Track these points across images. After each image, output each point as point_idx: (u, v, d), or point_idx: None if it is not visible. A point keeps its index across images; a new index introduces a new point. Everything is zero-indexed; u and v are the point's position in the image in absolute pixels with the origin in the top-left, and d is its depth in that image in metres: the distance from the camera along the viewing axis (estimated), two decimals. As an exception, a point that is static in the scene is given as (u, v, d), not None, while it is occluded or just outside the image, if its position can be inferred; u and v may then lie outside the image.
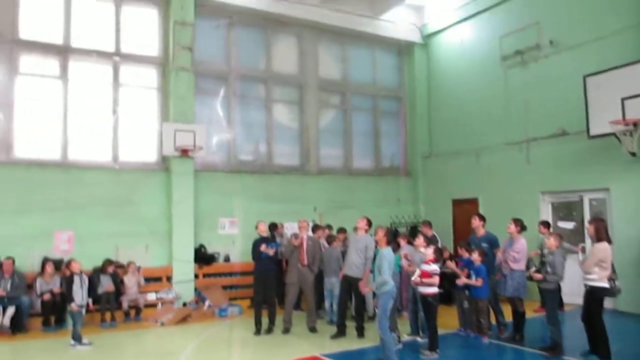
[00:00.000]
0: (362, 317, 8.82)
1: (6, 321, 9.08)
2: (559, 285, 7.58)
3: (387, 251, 7.27)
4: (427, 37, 14.99)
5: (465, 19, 13.75)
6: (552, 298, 7.52)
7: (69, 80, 11.06)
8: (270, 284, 9.31)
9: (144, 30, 11.93)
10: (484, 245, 8.60)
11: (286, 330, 9.06)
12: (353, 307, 9.01)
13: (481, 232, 8.81)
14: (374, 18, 14.21)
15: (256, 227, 9.47)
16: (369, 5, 14.06)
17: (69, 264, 8.70)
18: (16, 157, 10.48)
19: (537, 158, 11.75)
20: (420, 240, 8.52)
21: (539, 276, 7.51)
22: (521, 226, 8.34)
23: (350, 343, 8.39)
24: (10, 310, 9.13)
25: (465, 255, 8.60)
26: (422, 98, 15.03)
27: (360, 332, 8.61)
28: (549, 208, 11.73)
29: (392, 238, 7.72)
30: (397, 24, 14.58)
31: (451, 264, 8.85)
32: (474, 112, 13.34)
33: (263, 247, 9.13)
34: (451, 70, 14.36)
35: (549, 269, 7.42)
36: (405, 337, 8.50)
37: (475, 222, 8.89)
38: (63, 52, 11.05)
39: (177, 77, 11.60)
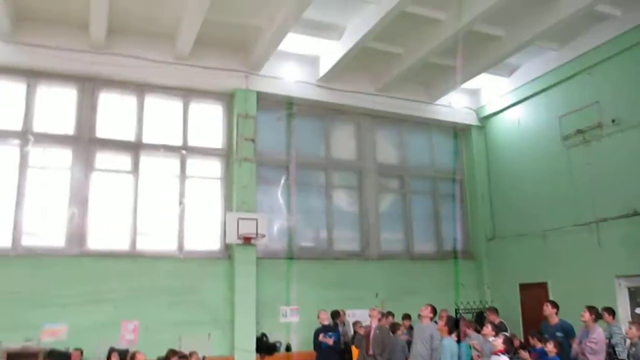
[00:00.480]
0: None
1: (74, 413, 9.16)
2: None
3: (447, 341, 7.02)
4: (484, 119, 15.05)
5: (522, 100, 13.77)
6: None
7: (139, 174, 11.69)
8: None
9: (209, 124, 12.60)
10: (559, 334, 8.15)
11: None
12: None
13: (554, 320, 8.39)
14: (430, 103, 14.46)
15: (318, 316, 9.36)
16: (424, 92, 14.35)
17: (133, 355, 8.75)
18: (89, 249, 10.95)
19: (609, 239, 11.19)
20: (488, 329, 8.16)
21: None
22: (596, 314, 7.90)
23: None
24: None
25: (538, 345, 8.14)
26: (482, 179, 14.88)
27: None
28: (626, 293, 11.01)
29: (454, 326, 7.44)
30: (453, 107, 14.76)
31: (525, 354, 8.37)
32: (537, 192, 13.03)
33: (321, 337, 9.01)
34: (510, 151, 14.24)
35: (633, 362, 6.91)
36: None
37: (548, 309, 8.50)
38: (135, 147, 11.75)
39: (240, 168, 12.03)
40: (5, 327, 9.78)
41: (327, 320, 9.41)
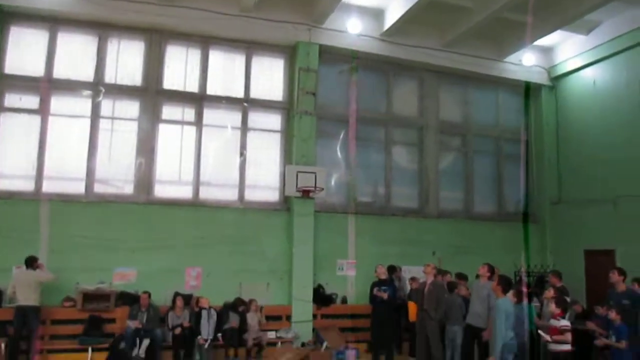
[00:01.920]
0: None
1: (142, 352, 9.69)
2: None
3: (502, 301, 6.91)
4: (556, 79, 14.33)
5: (600, 60, 12.98)
6: None
7: (202, 125, 11.91)
8: (386, 328, 9.18)
9: (271, 77, 12.61)
10: (625, 302, 7.87)
11: None
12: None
13: (622, 287, 8.10)
14: (499, 60, 13.88)
15: (375, 270, 9.43)
16: (493, 48, 13.76)
17: (198, 300, 9.13)
18: (155, 197, 11.37)
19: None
20: (550, 292, 8.01)
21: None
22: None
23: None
24: (146, 342, 9.74)
25: (602, 312, 7.91)
26: (550, 141, 14.29)
27: None
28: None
29: (507, 285, 7.26)
30: (523, 65, 14.10)
31: (591, 324, 8.15)
32: (610, 157, 12.39)
33: (375, 291, 9.10)
34: (582, 113, 13.55)
35: None
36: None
37: (615, 276, 8.22)
38: (199, 99, 11.94)
39: (300, 121, 12.05)
40: (81, 269, 10.39)
41: (384, 275, 9.48)
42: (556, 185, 14.04)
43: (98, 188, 11.08)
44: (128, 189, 11.29)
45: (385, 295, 9.07)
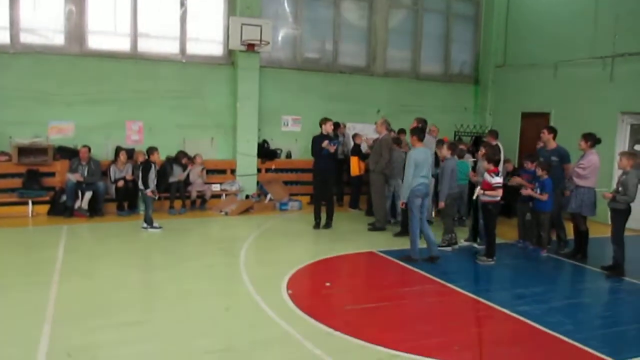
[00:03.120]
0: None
1: (84, 204, 9.76)
2: (629, 207, 7.26)
3: (413, 151, 7.53)
4: None
5: None
6: (619, 218, 7.28)
7: (138, -30, 10.95)
8: (329, 181, 9.50)
9: None
10: (554, 159, 8.32)
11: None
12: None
13: (552, 145, 8.49)
14: None
15: (321, 125, 9.50)
16: None
17: (152, 151, 9.02)
18: (89, 49, 10.69)
19: (621, 75, 10.86)
20: (482, 151, 8.41)
21: (608, 195, 7.28)
22: (594, 141, 7.96)
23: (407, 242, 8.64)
24: (88, 195, 9.77)
25: (531, 167, 8.38)
26: (501, 3, 14.00)
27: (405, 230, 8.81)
28: (627, 130, 11.03)
29: (422, 135, 7.78)
30: None
31: (517, 178, 8.67)
32: (557, 22, 12.28)
33: (325, 143, 9.26)
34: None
35: (620, 189, 7.17)
36: (463, 242, 8.63)
37: (545, 135, 8.56)
38: (133, -61, 10.85)
39: (244, -31, 11.26)
40: (14, 123, 10.00)
41: (330, 130, 9.63)
42: (502, 49, 14.01)
43: (25, 38, 10.27)
44: (59, 40, 10.53)
45: (333, 149, 9.30)
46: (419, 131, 7.81)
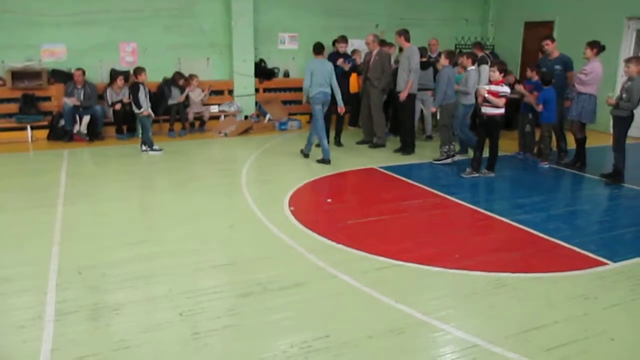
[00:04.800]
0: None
1: (83, 128, 9.71)
2: (632, 114, 7.20)
3: (310, 62, 8.23)
4: None
5: None
6: (622, 125, 7.23)
7: None
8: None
9: None
10: (557, 67, 8.17)
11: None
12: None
13: (555, 54, 8.31)
14: None
15: (334, 43, 9.42)
16: None
17: (139, 72, 8.83)
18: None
19: (628, -23, 10.51)
20: (464, 59, 8.33)
21: (612, 101, 7.19)
22: (599, 48, 7.78)
23: (410, 158, 8.67)
24: (86, 119, 9.69)
25: (535, 77, 8.25)
26: None
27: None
28: (633, 36, 10.74)
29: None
30: None
31: (520, 87, 8.53)
32: None
33: (340, 61, 9.26)
34: None
35: (624, 95, 7.07)
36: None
37: (550, 45, 8.35)
38: None
39: None
40: (5, 46, 9.73)
41: (344, 48, 9.57)
42: (506, -45, 13.43)
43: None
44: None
45: (347, 66, 9.22)
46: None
